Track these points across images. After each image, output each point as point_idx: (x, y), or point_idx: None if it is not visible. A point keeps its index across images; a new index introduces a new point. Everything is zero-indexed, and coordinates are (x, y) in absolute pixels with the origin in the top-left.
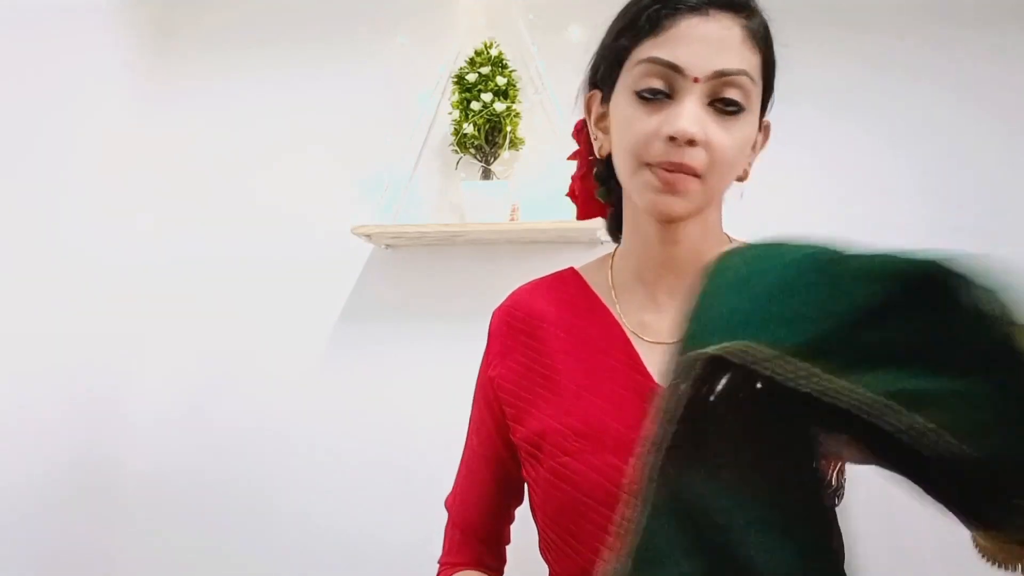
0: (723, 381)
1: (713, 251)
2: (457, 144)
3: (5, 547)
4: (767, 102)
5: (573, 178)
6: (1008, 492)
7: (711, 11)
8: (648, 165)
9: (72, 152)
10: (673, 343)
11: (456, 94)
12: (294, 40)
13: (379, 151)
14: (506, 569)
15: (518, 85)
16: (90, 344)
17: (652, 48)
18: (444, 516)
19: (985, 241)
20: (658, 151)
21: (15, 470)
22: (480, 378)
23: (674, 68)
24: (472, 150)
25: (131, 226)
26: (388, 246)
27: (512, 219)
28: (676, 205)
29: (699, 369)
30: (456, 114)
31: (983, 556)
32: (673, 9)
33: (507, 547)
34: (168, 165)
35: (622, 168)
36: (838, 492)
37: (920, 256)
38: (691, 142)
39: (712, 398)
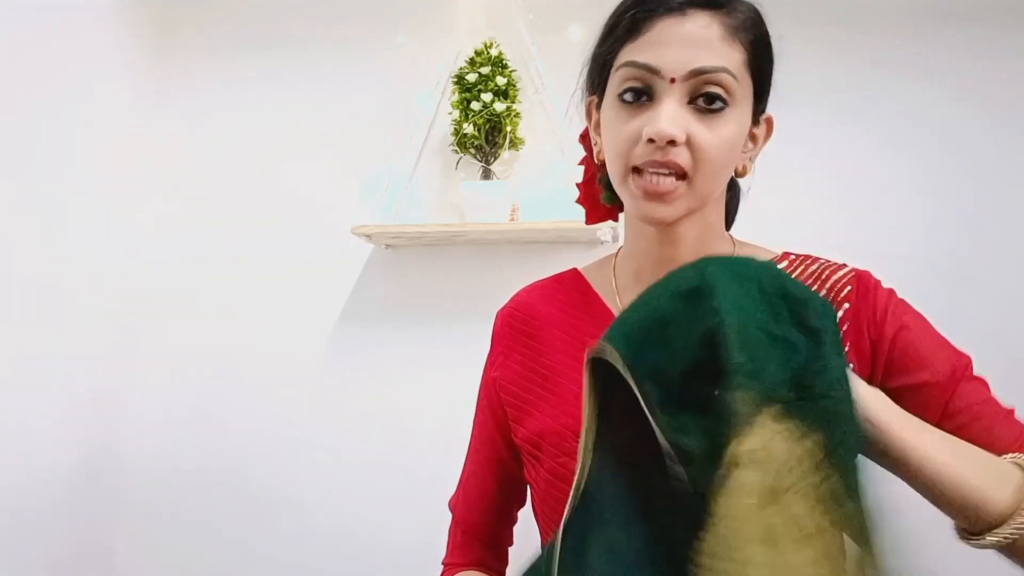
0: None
1: (714, 251)
2: (457, 144)
3: (11, 545)
4: (763, 96)
5: (579, 185)
6: None
7: (688, 11)
8: (634, 171)
9: (73, 153)
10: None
11: (456, 94)
12: (294, 40)
13: (379, 151)
14: (508, 571)
15: (518, 85)
16: (90, 344)
17: (631, 52)
18: (444, 515)
19: (985, 241)
20: (641, 153)
21: (19, 469)
22: (483, 379)
23: (651, 70)
24: (472, 150)
25: (131, 226)
26: (388, 246)
27: (512, 219)
28: (662, 211)
29: (588, 363)
30: (456, 114)
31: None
32: (650, 11)
33: (509, 548)
34: (168, 165)
35: (612, 175)
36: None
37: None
38: (672, 142)
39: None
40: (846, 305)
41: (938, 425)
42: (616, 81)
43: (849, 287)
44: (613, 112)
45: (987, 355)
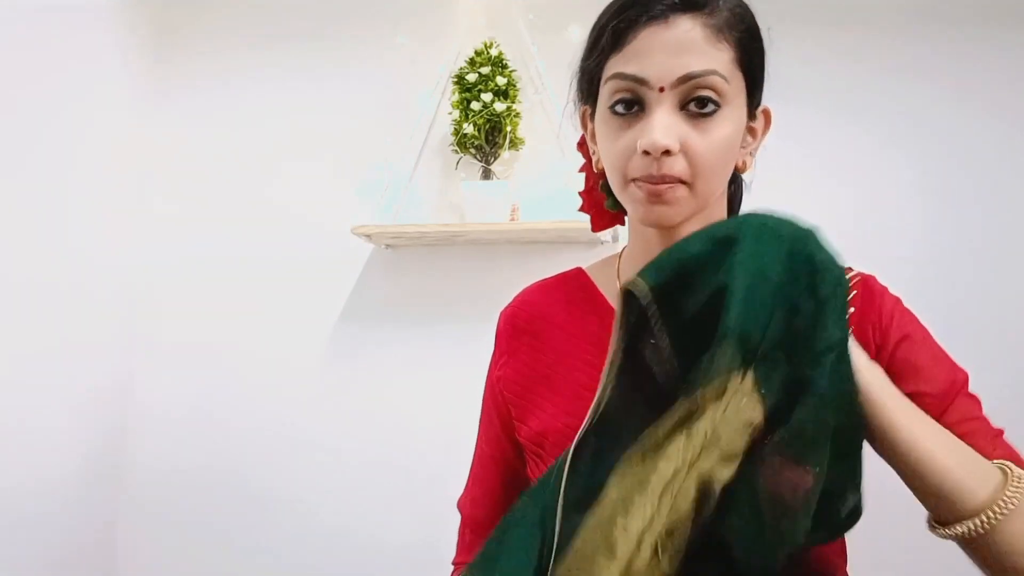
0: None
1: None
2: (457, 144)
3: (13, 544)
4: (757, 89)
5: (582, 193)
6: None
7: (670, 16)
8: (633, 180)
9: (73, 153)
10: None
11: (456, 94)
12: (294, 40)
13: (379, 151)
14: None
15: (518, 85)
16: (90, 344)
17: (617, 64)
18: (444, 515)
19: (985, 241)
20: (637, 166)
21: (19, 470)
22: (488, 379)
23: (639, 81)
24: (472, 150)
25: (131, 226)
26: (388, 246)
27: (512, 219)
28: (666, 213)
29: (622, 295)
30: (456, 114)
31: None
32: (632, 21)
33: None
34: (168, 165)
35: (612, 184)
36: None
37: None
38: (667, 152)
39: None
40: (851, 309)
41: None
42: (606, 93)
43: (854, 291)
44: (606, 124)
45: (987, 355)
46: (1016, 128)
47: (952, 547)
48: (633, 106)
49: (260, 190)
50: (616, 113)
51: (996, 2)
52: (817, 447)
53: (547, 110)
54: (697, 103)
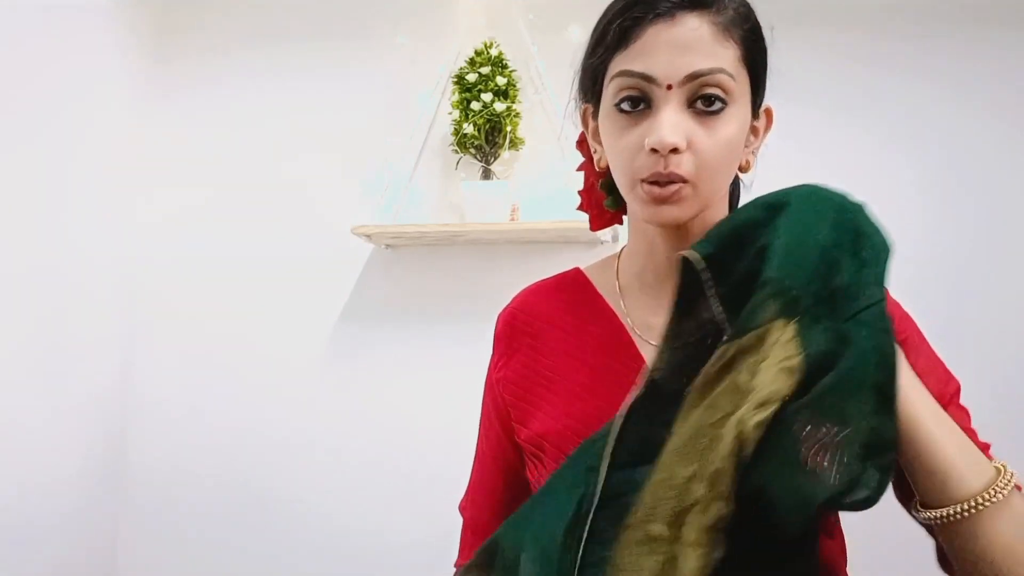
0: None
1: None
2: (457, 144)
3: (16, 545)
4: (760, 87)
5: (581, 192)
6: None
7: (677, 14)
8: (641, 180)
9: (73, 152)
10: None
11: (456, 94)
12: (294, 40)
13: (379, 151)
14: None
15: (518, 85)
16: (89, 344)
17: (623, 61)
18: (444, 515)
19: (985, 241)
20: (644, 164)
21: (22, 471)
22: (487, 380)
23: (646, 78)
24: (472, 150)
25: (131, 226)
26: (388, 246)
27: (512, 219)
28: (672, 213)
29: (678, 262)
30: (456, 114)
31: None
32: (638, 19)
33: None
34: (168, 165)
35: (619, 183)
36: None
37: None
38: (674, 150)
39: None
40: None
41: None
42: (611, 91)
43: None
44: (611, 123)
45: (987, 354)
46: (1016, 128)
47: None
48: (639, 104)
49: (260, 190)
50: (622, 111)
51: (996, 2)
52: (855, 402)
53: (547, 110)
54: (704, 101)
